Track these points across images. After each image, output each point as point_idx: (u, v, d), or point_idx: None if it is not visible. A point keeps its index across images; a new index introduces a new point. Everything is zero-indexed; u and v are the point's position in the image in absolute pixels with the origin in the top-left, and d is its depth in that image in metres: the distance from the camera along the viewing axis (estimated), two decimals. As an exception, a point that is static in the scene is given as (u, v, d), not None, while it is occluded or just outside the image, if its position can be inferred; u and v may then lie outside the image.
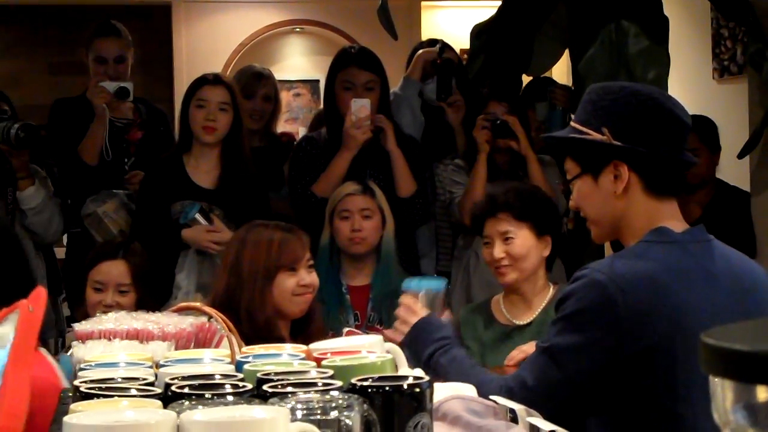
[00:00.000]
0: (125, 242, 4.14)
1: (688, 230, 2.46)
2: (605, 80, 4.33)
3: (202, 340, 2.28)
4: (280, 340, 3.20)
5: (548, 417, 2.27)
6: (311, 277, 3.32)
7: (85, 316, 3.67)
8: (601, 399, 2.34)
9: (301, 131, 7.84)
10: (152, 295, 3.85)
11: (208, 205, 4.38)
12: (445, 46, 5.12)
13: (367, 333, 4.07)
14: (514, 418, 1.84)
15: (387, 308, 4.09)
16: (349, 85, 4.57)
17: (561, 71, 6.97)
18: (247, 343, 3.06)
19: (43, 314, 1.70)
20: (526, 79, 5.42)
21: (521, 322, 3.64)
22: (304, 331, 3.26)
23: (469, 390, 1.91)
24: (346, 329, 3.21)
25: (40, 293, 1.51)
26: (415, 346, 2.69)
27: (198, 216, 4.35)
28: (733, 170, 5.28)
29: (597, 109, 2.44)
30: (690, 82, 6.25)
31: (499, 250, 3.58)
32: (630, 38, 4.42)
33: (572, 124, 2.52)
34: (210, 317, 2.36)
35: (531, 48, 5.14)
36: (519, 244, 3.57)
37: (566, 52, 5.12)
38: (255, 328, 3.14)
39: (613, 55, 4.41)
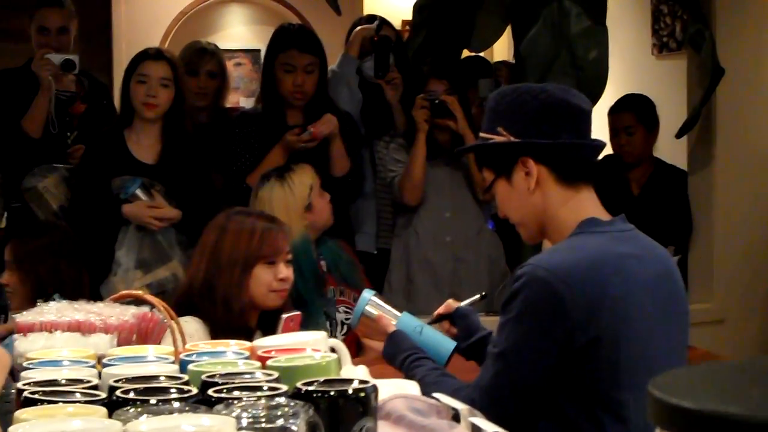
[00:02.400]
0: (42, 223, 4.14)
1: (613, 220, 2.51)
2: (547, 59, 4.38)
3: (144, 330, 2.28)
4: (250, 331, 3.19)
5: (510, 422, 2.31)
6: (288, 272, 3.27)
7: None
8: (551, 394, 2.37)
9: (242, 101, 7.81)
10: (42, 278, 3.79)
11: (149, 180, 4.35)
12: (383, 23, 5.11)
13: (336, 308, 4.11)
14: (456, 416, 1.86)
15: (345, 268, 4.13)
16: (289, 68, 4.56)
17: (502, 49, 6.98)
18: (218, 331, 3.08)
19: None
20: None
21: None
22: (271, 323, 3.20)
23: (412, 388, 1.92)
24: (284, 316, 3.18)
25: None
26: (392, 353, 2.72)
27: (139, 191, 4.32)
28: (670, 148, 5.34)
29: (495, 114, 2.52)
30: (629, 57, 6.29)
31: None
32: (572, 18, 4.43)
33: (480, 134, 2.58)
34: (152, 306, 2.35)
35: (473, 23, 5.15)
36: None
37: (508, 29, 5.13)
38: (229, 317, 3.13)
39: (555, 35, 4.42)
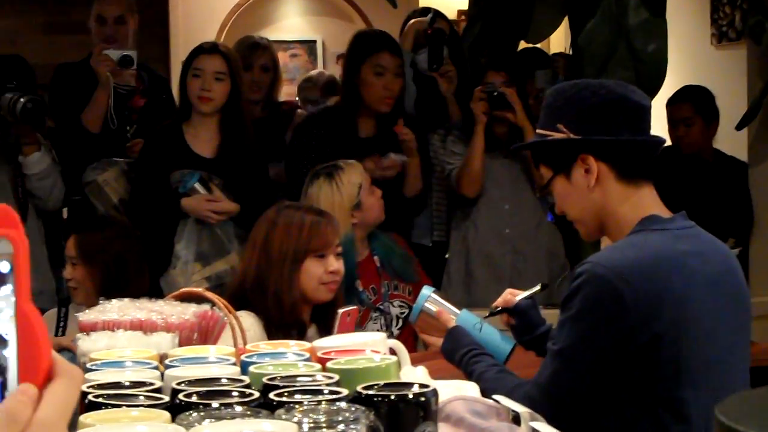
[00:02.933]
0: (103, 218, 4.16)
1: (674, 217, 2.49)
2: (605, 52, 4.35)
3: (204, 328, 2.30)
4: (303, 325, 3.21)
5: (570, 419, 2.31)
6: (339, 264, 3.26)
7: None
8: (611, 393, 2.36)
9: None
10: (121, 268, 3.83)
11: (208, 174, 4.38)
12: (437, 16, 5.11)
13: (391, 303, 4.12)
14: (516, 418, 1.86)
15: (398, 263, 4.13)
16: (380, 70, 4.55)
17: (559, 40, 6.94)
18: (272, 326, 3.10)
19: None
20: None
21: None
22: (325, 317, 3.23)
23: (472, 389, 1.92)
24: (340, 311, 3.18)
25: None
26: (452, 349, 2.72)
27: (197, 185, 4.35)
28: (731, 140, 5.28)
29: (553, 111, 2.51)
30: (688, 47, 6.24)
31: None
32: (630, 10, 4.40)
33: (537, 131, 2.57)
34: (213, 304, 2.36)
35: (530, 14, 5.12)
36: None
37: (565, 20, 5.10)
38: (282, 312, 3.14)
39: (612, 27, 4.39)
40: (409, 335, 3.53)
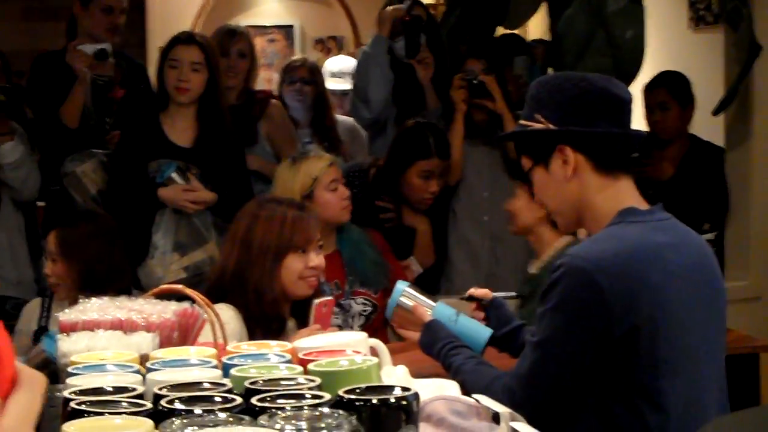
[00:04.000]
0: (83, 212, 4.15)
1: (651, 209, 2.51)
2: (583, 38, 4.37)
3: (184, 326, 2.30)
4: (283, 320, 3.20)
5: (549, 411, 2.32)
6: (319, 259, 3.26)
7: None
8: (589, 384, 2.38)
9: (275, 77, 7.81)
10: (88, 267, 3.80)
11: (185, 163, 4.36)
12: (414, 3, 5.10)
13: (354, 300, 4.10)
14: (496, 417, 1.87)
15: (362, 268, 4.11)
16: None
17: (537, 26, 6.95)
18: (252, 320, 3.10)
19: None
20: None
21: (531, 271, 4.04)
22: (304, 311, 3.21)
23: (453, 388, 1.93)
24: (316, 301, 3.18)
25: None
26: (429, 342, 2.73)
27: (175, 175, 4.33)
28: (707, 125, 5.30)
29: (535, 102, 2.53)
30: (665, 31, 6.24)
31: (508, 203, 4.08)
32: (608, -3, 4.42)
33: (519, 121, 2.60)
34: (192, 301, 2.36)
35: (508, 1, 5.13)
36: (515, 202, 4.00)
37: (543, 6, 5.11)
38: (262, 307, 3.13)
39: (591, 13, 4.41)
40: (372, 334, 3.52)
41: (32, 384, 0.97)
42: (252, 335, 3.02)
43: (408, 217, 4.64)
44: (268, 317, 3.13)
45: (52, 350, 2.27)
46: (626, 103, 2.52)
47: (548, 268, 3.86)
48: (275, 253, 3.18)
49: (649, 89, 5.20)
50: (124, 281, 3.84)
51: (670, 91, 5.14)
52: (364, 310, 4.11)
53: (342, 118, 5.69)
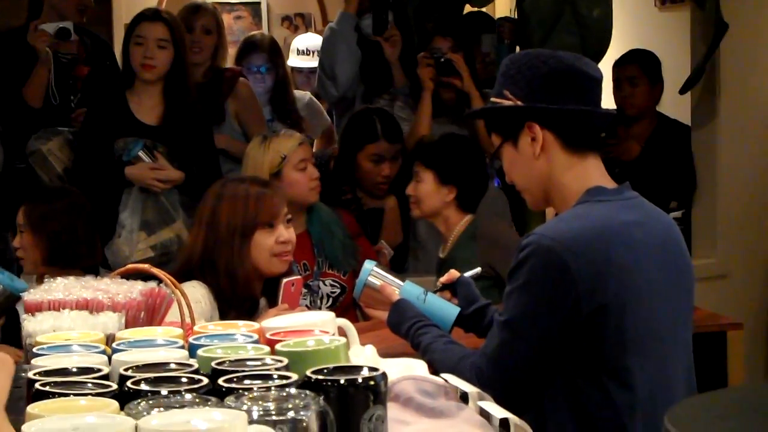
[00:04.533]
0: (53, 187, 4.12)
1: (619, 188, 2.52)
2: (550, 17, 4.37)
3: (151, 306, 2.28)
4: (255, 300, 3.19)
5: (517, 389, 2.33)
6: (289, 233, 3.23)
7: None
8: (557, 363, 2.38)
9: (242, 54, 7.76)
10: (56, 240, 3.79)
11: (152, 142, 4.33)
12: None
13: (322, 281, 4.09)
14: (464, 396, 1.87)
15: (331, 249, 4.10)
16: None
17: (504, 4, 6.94)
18: (225, 302, 3.08)
19: None
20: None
21: (441, 255, 4.02)
22: (276, 290, 3.20)
23: (420, 368, 1.93)
24: (284, 281, 3.17)
25: None
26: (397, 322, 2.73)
27: (141, 153, 4.30)
28: (674, 103, 5.32)
29: (505, 78, 2.53)
30: (632, 9, 6.25)
31: (410, 188, 4.04)
32: (575, -25, 4.41)
33: (490, 99, 2.60)
34: (159, 281, 2.35)
35: (475, -23, 5.12)
36: (421, 187, 3.97)
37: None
38: (234, 288, 3.11)
39: (558, -8, 4.40)
40: (340, 315, 3.53)
41: (2, 365, 0.96)
42: (224, 316, 3.01)
43: (373, 198, 4.64)
44: (241, 298, 3.11)
45: (5, 283, 2.33)
46: (596, 81, 2.52)
47: (456, 250, 3.91)
48: (242, 232, 3.16)
49: (620, 64, 5.21)
50: (95, 257, 3.85)
51: (641, 66, 5.16)
52: (333, 292, 4.10)
53: (299, 94, 5.68)
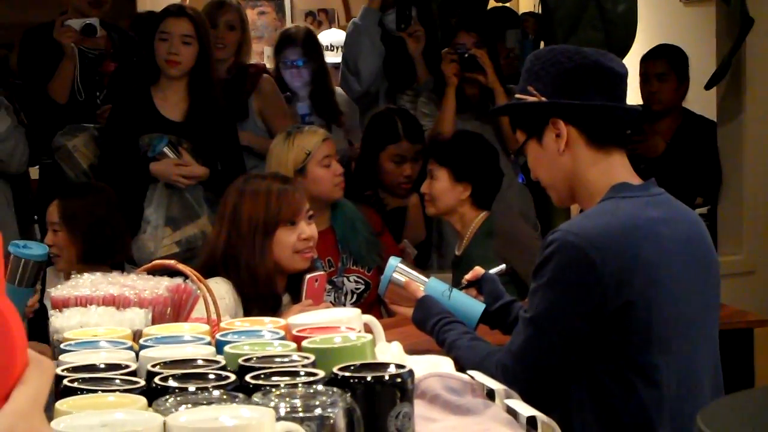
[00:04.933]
0: (84, 183, 4.13)
1: (644, 184, 2.51)
2: (575, 12, 4.35)
3: (177, 302, 2.28)
4: (278, 297, 3.19)
5: (542, 387, 2.32)
6: (311, 229, 3.23)
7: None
8: (582, 359, 2.38)
9: (266, 50, 7.77)
10: (98, 233, 3.82)
11: (177, 138, 4.35)
12: None
13: (346, 277, 4.09)
14: (490, 393, 1.87)
15: (355, 246, 4.09)
16: None
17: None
18: (248, 299, 3.09)
19: None
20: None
21: (457, 253, 4.01)
22: (299, 286, 3.20)
23: (447, 365, 1.93)
24: (307, 276, 3.17)
25: None
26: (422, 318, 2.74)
27: (166, 149, 4.32)
28: (699, 99, 5.29)
29: (529, 74, 2.53)
30: (657, 5, 6.23)
31: (424, 186, 4.03)
32: (599, -31, 4.40)
33: (515, 95, 2.59)
34: (185, 277, 2.36)
35: (500, -27, 5.12)
36: (436, 185, 3.96)
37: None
38: (256, 284, 3.11)
39: (583, -13, 4.39)
40: (365, 312, 3.55)
41: (41, 367, 0.96)
42: (248, 313, 3.01)
43: (396, 197, 4.64)
44: (263, 295, 3.11)
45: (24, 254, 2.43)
46: (621, 77, 2.51)
47: (473, 247, 3.91)
48: (264, 229, 3.16)
49: (648, 59, 5.17)
50: (126, 252, 3.87)
51: (669, 62, 5.13)
52: (357, 288, 4.10)
53: (339, 89, 5.67)
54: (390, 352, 1.95)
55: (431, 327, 2.71)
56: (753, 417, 0.73)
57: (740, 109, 4.91)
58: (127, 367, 1.66)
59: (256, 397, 1.49)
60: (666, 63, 5.14)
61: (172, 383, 1.56)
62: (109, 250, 3.76)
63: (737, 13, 4.60)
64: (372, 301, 4.07)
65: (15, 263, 2.55)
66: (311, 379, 1.58)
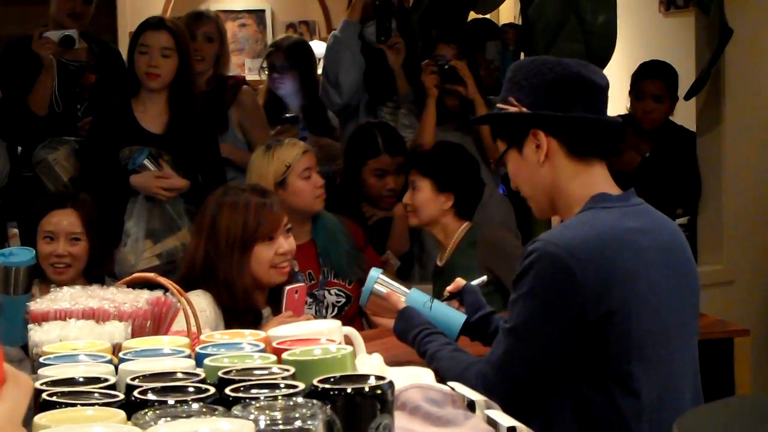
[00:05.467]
0: (74, 192, 4.11)
1: (624, 194, 2.51)
2: (555, 23, 4.36)
3: (157, 315, 2.28)
4: (258, 312, 3.18)
5: (522, 397, 2.32)
6: (289, 243, 3.23)
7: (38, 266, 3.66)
8: (562, 370, 2.38)
9: (247, 62, 7.78)
10: (103, 243, 3.84)
11: (157, 150, 4.34)
12: None
13: (327, 290, 4.09)
14: (471, 404, 1.87)
15: (336, 259, 4.09)
16: None
17: (508, 10, 6.95)
18: (227, 313, 3.08)
19: None
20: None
21: (439, 263, 4.01)
22: (278, 300, 3.20)
23: (427, 376, 1.93)
24: (287, 288, 3.17)
25: None
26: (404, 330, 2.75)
27: (147, 161, 4.31)
28: (679, 109, 5.31)
29: (511, 85, 2.53)
30: (636, 15, 6.25)
31: (406, 197, 4.03)
32: (579, -19, 4.41)
33: (496, 105, 2.60)
34: (166, 290, 2.35)
35: (479, -16, 5.12)
36: (419, 195, 3.95)
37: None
38: (234, 300, 3.11)
39: (563, -1, 4.40)
40: (347, 324, 3.55)
41: (18, 384, 0.96)
42: (228, 326, 3.01)
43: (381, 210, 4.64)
44: (242, 311, 3.11)
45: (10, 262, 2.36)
46: (602, 88, 2.52)
47: (456, 257, 3.91)
48: (242, 245, 3.16)
49: (645, 77, 5.15)
50: (110, 264, 3.89)
51: (666, 83, 5.12)
52: (338, 301, 4.10)
53: None
54: (370, 364, 1.95)
55: (412, 338, 2.71)
56: (729, 426, 0.73)
57: (720, 119, 4.93)
58: (106, 380, 1.65)
59: (236, 409, 1.48)
60: (663, 85, 5.11)
61: (151, 396, 1.56)
62: (107, 260, 3.79)
63: (716, 23, 4.61)
64: (353, 315, 4.06)
65: (5, 273, 2.55)
66: (291, 391, 1.58)
